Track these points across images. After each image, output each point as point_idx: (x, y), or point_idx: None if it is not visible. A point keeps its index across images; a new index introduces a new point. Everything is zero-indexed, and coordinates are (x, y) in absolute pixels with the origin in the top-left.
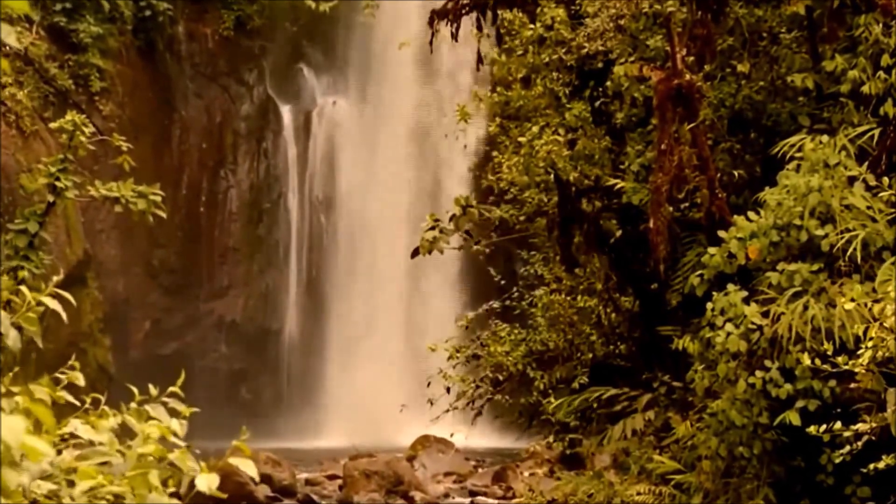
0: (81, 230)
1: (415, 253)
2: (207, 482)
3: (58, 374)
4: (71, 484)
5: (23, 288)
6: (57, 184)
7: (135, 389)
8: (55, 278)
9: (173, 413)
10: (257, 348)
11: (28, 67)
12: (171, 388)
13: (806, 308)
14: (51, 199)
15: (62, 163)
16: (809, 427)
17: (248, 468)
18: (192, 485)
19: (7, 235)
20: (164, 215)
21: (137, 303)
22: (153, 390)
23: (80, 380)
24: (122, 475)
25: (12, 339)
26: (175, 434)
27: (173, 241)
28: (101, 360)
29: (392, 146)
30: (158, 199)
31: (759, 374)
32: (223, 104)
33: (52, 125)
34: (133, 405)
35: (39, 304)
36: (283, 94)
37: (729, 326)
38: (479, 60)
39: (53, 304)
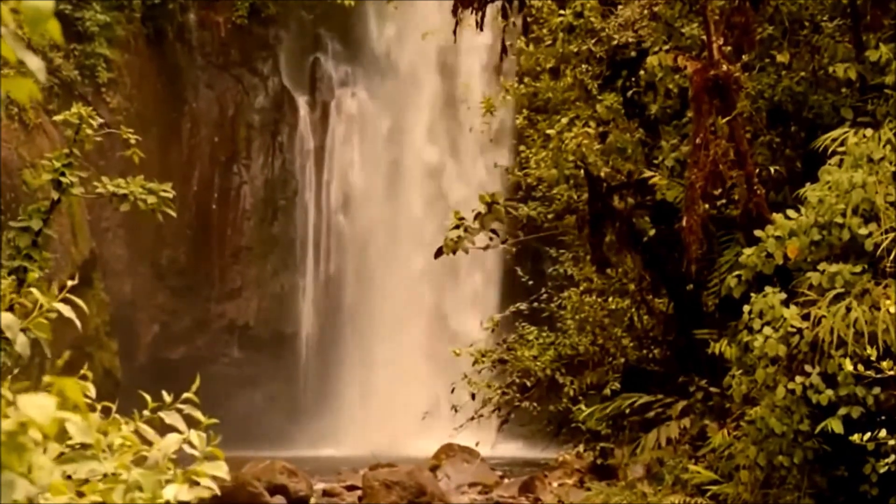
0: (87, 228)
1: (438, 253)
2: (175, 493)
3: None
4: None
5: (34, 291)
6: (62, 179)
7: (147, 397)
8: (69, 283)
9: (189, 421)
10: (271, 353)
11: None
12: (186, 395)
13: (848, 310)
14: (55, 195)
15: (67, 157)
16: (852, 435)
17: (219, 471)
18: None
19: (9, 234)
20: (174, 214)
21: (145, 305)
22: (167, 397)
23: (91, 389)
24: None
25: (20, 345)
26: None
27: (183, 240)
28: (108, 364)
29: (413, 140)
30: (170, 196)
31: (799, 379)
32: (236, 96)
33: (57, 118)
34: (146, 413)
35: (51, 308)
36: (299, 86)
37: (767, 330)
38: (504, 50)
39: (66, 311)
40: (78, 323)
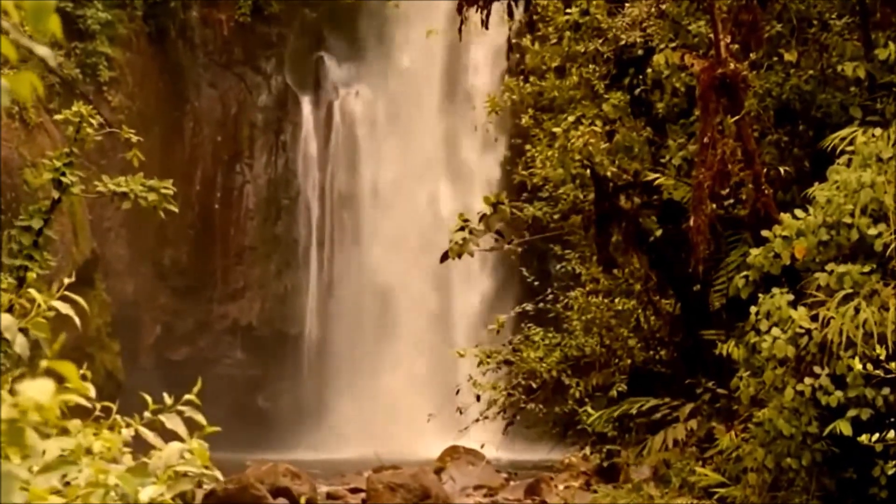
0: (88, 228)
1: (444, 256)
2: (151, 494)
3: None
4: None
5: (32, 291)
6: (63, 179)
7: (148, 398)
8: (66, 280)
9: (190, 423)
10: (274, 354)
11: (32, 55)
12: (187, 397)
13: (857, 311)
14: (56, 195)
15: (68, 157)
16: (861, 437)
17: (198, 467)
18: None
19: (12, 231)
20: (175, 209)
21: (147, 305)
22: (168, 399)
23: (91, 390)
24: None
25: (19, 346)
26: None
27: (185, 240)
28: (110, 366)
29: (418, 139)
30: (170, 193)
31: (807, 381)
32: (239, 94)
33: (58, 117)
34: (147, 414)
35: (50, 307)
36: (303, 84)
37: (775, 331)
38: (510, 48)
39: (65, 309)
40: (77, 320)
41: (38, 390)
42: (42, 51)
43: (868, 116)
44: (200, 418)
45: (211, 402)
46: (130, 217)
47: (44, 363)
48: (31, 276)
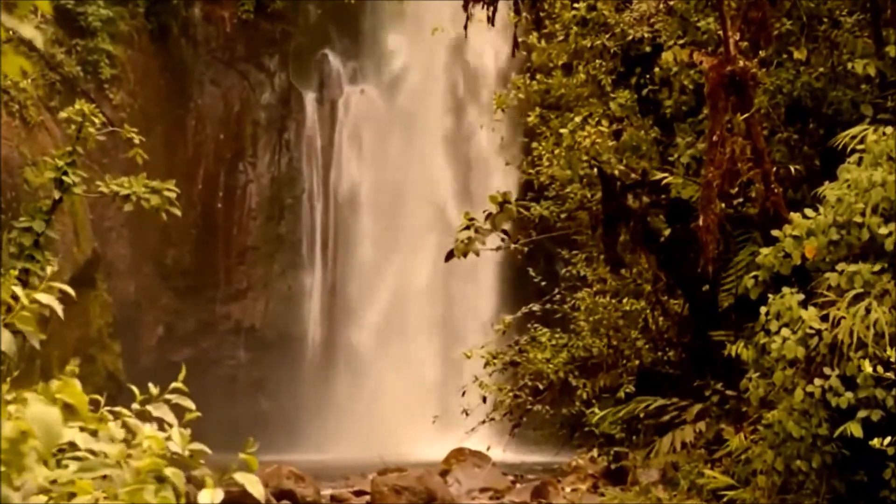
0: (90, 228)
1: (449, 256)
2: (211, 497)
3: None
4: (72, 496)
5: (16, 288)
6: (64, 178)
7: (136, 390)
8: (50, 270)
9: (178, 411)
10: (278, 355)
11: (33, 53)
12: (174, 384)
13: (868, 311)
14: (57, 194)
15: (70, 156)
16: (872, 439)
17: (254, 488)
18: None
19: (11, 234)
20: (178, 213)
21: (149, 306)
22: (153, 389)
23: (78, 385)
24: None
25: (5, 343)
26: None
27: (187, 240)
28: (111, 367)
29: (423, 138)
30: (173, 195)
31: (817, 382)
32: (242, 92)
33: (62, 114)
34: (135, 406)
35: (39, 303)
36: (307, 82)
37: (785, 331)
38: (516, 45)
39: (50, 301)
40: (60, 311)
41: (42, 423)
42: (28, 32)
43: (879, 114)
44: (189, 403)
45: (213, 403)
46: (132, 217)
47: (54, 384)
48: (14, 273)
